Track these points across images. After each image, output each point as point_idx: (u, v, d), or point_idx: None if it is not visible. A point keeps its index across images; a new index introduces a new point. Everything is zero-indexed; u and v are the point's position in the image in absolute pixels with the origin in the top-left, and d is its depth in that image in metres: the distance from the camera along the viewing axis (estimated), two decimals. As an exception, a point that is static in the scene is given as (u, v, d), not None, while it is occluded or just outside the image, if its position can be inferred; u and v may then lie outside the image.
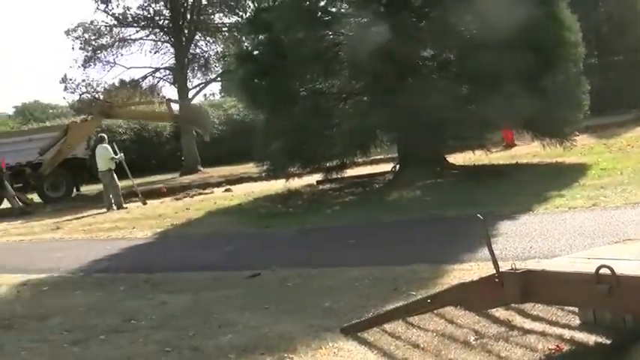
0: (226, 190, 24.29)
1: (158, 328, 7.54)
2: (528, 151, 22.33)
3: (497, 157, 21.46)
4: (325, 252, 11.28)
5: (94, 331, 7.73)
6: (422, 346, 5.87)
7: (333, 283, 8.61)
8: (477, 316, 6.26)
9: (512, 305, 6.00)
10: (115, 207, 22.23)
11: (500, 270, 5.27)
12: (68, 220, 20.80)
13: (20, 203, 25.91)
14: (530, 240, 9.73)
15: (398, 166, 19.34)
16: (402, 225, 12.86)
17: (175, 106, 32.52)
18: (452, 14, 16.75)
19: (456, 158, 20.14)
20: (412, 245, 10.66)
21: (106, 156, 22.90)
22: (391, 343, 6.06)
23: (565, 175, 15.93)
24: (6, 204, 26.14)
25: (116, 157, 23.14)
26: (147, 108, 28.78)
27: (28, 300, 10.09)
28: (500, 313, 6.24)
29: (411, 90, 15.73)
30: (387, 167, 20.86)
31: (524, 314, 6.21)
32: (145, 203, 22.82)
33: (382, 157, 23.76)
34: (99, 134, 25.21)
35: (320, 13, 18.91)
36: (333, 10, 19.49)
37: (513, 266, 5.27)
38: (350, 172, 20.34)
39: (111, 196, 22.66)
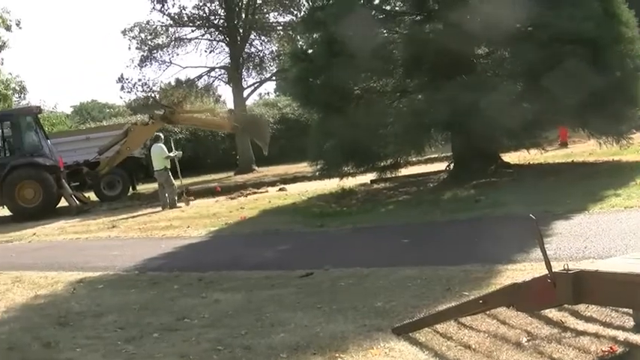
0: (280, 189, 24.32)
1: (211, 327, 7.58)
2: (584, 149, 22.12)
3: (552, 155, 21.25)
4: (378, 251, 11.25)
5: (147, 328, 7.80)
6: (473, 347, 5.84)
7: (386, 282, 8.59)
8: (529, 317, 6.22)
9: (566, 306, 5.95)
10: (168, 206, 22.38)
11: (553, 271, 5.22)
12: (124, 218, 20.98)
13: (77, 202, 26.18)
14: (585, 240, 9.63)
15: (452, 165, 19.25)
16: (455, 224, 12.79)
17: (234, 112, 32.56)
18: (506, 11, 16.62)
19: (511, 157, 19.99)
20: (465, 245, 10.60)
21: (161, 155, 23.05)
22: (443, 343, 6.04)
23: (621, 174, 15.74)
24: (63, 202, 26.44)
25: (171, 154, 23.29)
26: (208, 116, 28.78)
27: (83, 297, 10.19)
28: (553, 314, 6.19)
29: (465, 88, 15.62)
30: (442, 166, 20.78)
31: (578, 315, 6.15)
32: (187, 204, 22.91)
33: (436, 155, 23.66)
34: (155, 133, 25.37)
35: (374, 11, 18.89)
36: (388, 7, 19.48)
37: (566, 267, 5.22)
38: (404, 171, 20.26)
39: (166, 195, 22.83)
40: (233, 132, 30.07)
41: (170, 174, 23.03)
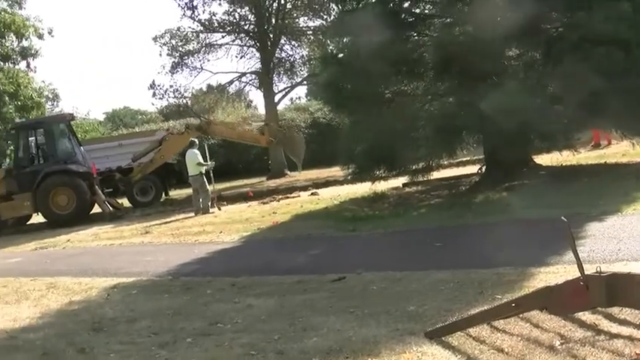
0: (312, 194, 24.35)
1: (244, 332, 7.61)
2: (617, 150, 21.95)
3: (585, 157, 21.12)
4: (411, 255, 11.25)
5: (181, 334, 7.85)
6: (506, 350, 5.82)
7: (419, 286, 8.59)
8: (562, 320, 6.17)
9: (599, 309, 5.91)
10: (201, 212, 22.47)
11: (586, 273, 5.20)
12: (157, 224, 21.09)
13: (110, 208, 26.37)
14: (619, 242, 9.57)
15: (484, 168, 19.19)
16: (488, 227, 12.73)
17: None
18: (536, 12, 16.55)
19: (543, 159, 19.87)
20: (498, 248, 10.53)
21: (194, 161, 23.16)
22: (475, 347, 6.02)
23: (655, 175, 15.63)
24: (97, 208, 26.62)
25: (205, 163, 23.42)
26: (243, 129, 28.83)
27: (117, 303, 10.26)
28: (586, 317, 6.14)
29: (496, 90, 15.56)
30: (474, 169, 20.74)
31: (611, 318, 6.10)
32: (220, 209, 23.00)
33: (468, 158, 23.62)
34: (190, 139, 25.45)
35: (404, 15, 18.87)
36: (417, 11, 19.44)
37: (599, 269, 5.19)
38: (436, 175, 20.18)
39: (200, 200, 22.92)
40: (268, 146, 30.07)
41: (205, 179, 23.14)
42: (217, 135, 28.24)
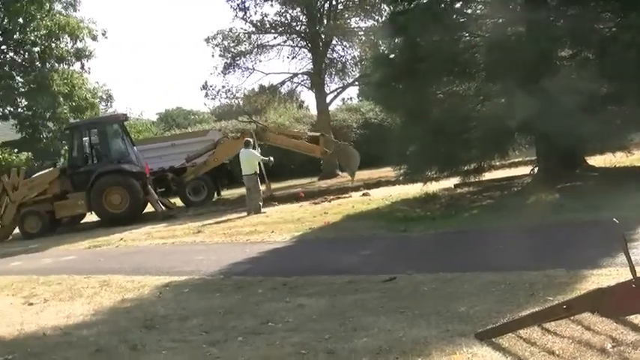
0: (364, 194, 24.33)
1: (295, 331, 7.65)
2: (673, 152, 21.68)
3: (638, 158, 20.86)
4: (462, 256, 11.22)
5: (232, 332, 7.92)
6: (557, 352, 5.81)
7: (469, 287, 8.56)
8: (614, 323, 6.14)
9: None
10: (253, 212, 22.58)
11: (638, 276, 5.17)
12: (209, 223, 21.22)
13: (163, 207, 26.59)
14: (672, 245, 9.46)
15: (536, 169, 19.05)
16: (539, 229, 12.65)
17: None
18: (590, 12, 16.43)
19: (596, 160, 19.68)
20: (549, 250, 10.49)
21: (252, 160, 23.31)
22: (526, 349, 6.01)
23: None
24: (150, 208, 26.86)
25: (265, 158, 23.64)
26: (298, 139, 28.78)
27: (169, 301, 10.37)
28: (638, 319, 6.10)
29: (549, 91, 15.45)
30: (526, 170, 20.57)
31: (664, 321, 6.06)
32: (269, 189, 23.09)
33: (520, 159, 23.44)
34: (246, 139, 25.55)
35: (455, 15, 18.80)
36: (469, 11, 19.37)
37: (651, 272, 5.16)
38: (488, 176, 20.08)
39: (251, 198, 23.05)
40: (322, 157, 30.05)
41: (258, 179, 23.28)
42: (272, 142, 28.22)
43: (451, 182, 20.46)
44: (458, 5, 19.17)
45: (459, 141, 17.59)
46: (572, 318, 6.25)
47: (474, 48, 18.40)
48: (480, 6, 19.37)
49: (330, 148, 28.10)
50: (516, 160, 23.38)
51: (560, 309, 5.98)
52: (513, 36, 17.03)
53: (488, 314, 7.13)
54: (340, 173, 34.76)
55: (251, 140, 24.73)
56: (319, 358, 6.58)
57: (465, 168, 19.06)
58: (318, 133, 29.40)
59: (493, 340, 6.28)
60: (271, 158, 24.45)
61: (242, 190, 24.61)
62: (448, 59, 17.26)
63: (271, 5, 45.96)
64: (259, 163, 23.70)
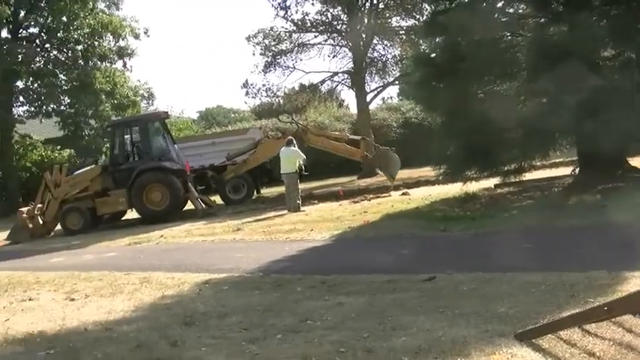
0: (404, 194, 24.27)
1: (333, 329, 7.66)
2: None
3: (682, 159, 20.67)
4: (501, 256, 11.14)
5: (271, 330, 7.94)
6: (598, 354, 5.78)
7: (509, 288, 8.53)
8: (656, 325, 6.10)
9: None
10: (292, 210, 22.63)
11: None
12: (248, 221, 21.28)
13: (203, 205, 26.72)
14: None
15: (577, 170, 18.91)
16: (580, 230, 12.58)
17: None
18: (633, 12, 16.28)
19: (638, 161, 19.50)
20: (590, 251, 10.42)
21: (292, 158, 23.39)
22: (566, 350, 5.98)
23: None
24: (190, 205, 26.99)
25: (304, 157, 23.74)
26: (340, 141, 28.70)
27: (209, 298, 10.42)
28: (680, 322, 6.06)
29: (591, 91, 15.34)
30: (566, 171, 20.44)
31: None
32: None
33: (561, 160, 23.28)
34: (288, 137, 25.59)
35: (497, 14, 18.72)
36: (511, 10, 19.27)
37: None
38: (528, 176, 19.95)
39: (290, 197, 23.10)
40: (362, 160, 29.97)
41: (297, 178, 23.33)
42: (313, 144, 28.17)
43: (491, 182, 20.37)
44: (500, 4, 19.11)
45: (499, 141, 17.53)
46: (613, 320, 6.21)
47: (516, 48, 18.32)
48: (522, 5, 19.27)
49: (370, 152, 28.02)
50: (557, 160, 23.23)
51: (601, 310, 5.95)
52: (555, 36, 16.92)
53: (528, 315, 7.10)
54: (380, 173, 34.75)
55: (293, 139, 24.75)
56: (358, 357, 6.59)
57: (506, 168, 18.96)
58: (358, 137, 29.29)
59: (533, 340, 6.25)
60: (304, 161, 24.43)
61: (281, 189, 24.68)
62: (489, 59, 17.17)
63: (312, 4, 46.43)
64: (300, 162, 23.70)
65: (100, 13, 42.25)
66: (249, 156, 28.23)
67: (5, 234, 26.70)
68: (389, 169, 26.52)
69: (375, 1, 38.48)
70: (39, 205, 26.50)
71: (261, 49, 41.11)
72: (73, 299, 11.71)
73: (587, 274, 8.48)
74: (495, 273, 9.39)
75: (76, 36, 41.89)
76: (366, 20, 38.32)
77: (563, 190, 18.24)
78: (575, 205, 15.56)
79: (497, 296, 8.14)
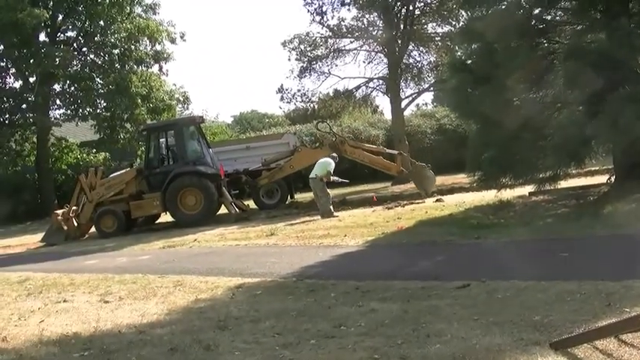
0: (438, 200, 24.20)
1: (367, 335, 7.65)
2: None
3: None
4: (536, 264, 11.08)
5: (304, 335, 7.94)
6: (634, 364, 5.73)
7: (544, 296, 8.48)
8: (693, 336, 6.04)
9: None
10: (323, 215, 22.63)
11: None
12: (282, 226, 21.29)
13: (237, 209, 26.77)
14: None
15: (613, 178, 18.77)
16: (616, 239, 12.48)
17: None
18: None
19: (676, 170, 19.34)
20: (627, 260, 10.31)
21: (323, 166, 23.42)
22: (602, 360, 5.94)
23: None
24: (223, 209, 27.07)
25: (332, 175, 23.63)
26: (377, 154, 28.58)
27: (242, 302, 10.44)
28: None
29: (628, 99, 15.21)
30: (602, 179, 20.30)
31: None
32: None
33: (597, 168, 23.12)
34: (332, 154, 25.57)
35: (534, 21, 18.62)
36: (548, 17, 19.14)
37: None
38: (563, 184, 19.80)
39: (321, 203, 23.12)
40: (398, 175, 29.86)
41: (325, 183, 23.31)
42: (349, 155, 28.12)
43: (526, 190, 20.25)
44: (537, 11, 18.95)
45: (534, 148, 17.41)
46: (650, 330, 6.16)
47: (552, 55, 18.20)
48: (560, 12, 19.14)
49: (406, 167, 27.87)
50: (593, 168, 23.08)
51: (638, 321, 5.89)
52: (593, 43, 16.80)
53: (563, 324, 7.05)
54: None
55: (337, 158, 24.69)
56: (391, 363, 6.58)
57: (541, 176, 18.81)
58: (396, 151, 29.19)
59: (568, 350, 6.21)
60: (335, 178, 24.33)
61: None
62: (525, 66, 17.07)
63: (348, 10, 46.34)
64: (329, 173, 23.64)
65: (137, 18, 42.52)
66: (285, 163, 28.22)
67: (40, 236, 26.92)
68: (423, 185, 26.40)
69: (410, 7, 38.42)
70: (74, 208, 26.72)
71: (297, 55, 41.23)
72: (107, 301, 11.77)
73: (623, 284, 8.40)
74: (530, 281, 9.33)
75: (112, 40, 42.20)
76: (402, 26, 38.27)
77: (598, 198, 18.11)
78: (611, 213, 15.41)
79: (532, 304, 8.09)
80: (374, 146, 30.14)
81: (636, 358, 5.85)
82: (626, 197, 16.36)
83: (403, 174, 28.48)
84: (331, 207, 23.30)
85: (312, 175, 23.52)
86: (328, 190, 23.72)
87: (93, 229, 26.81)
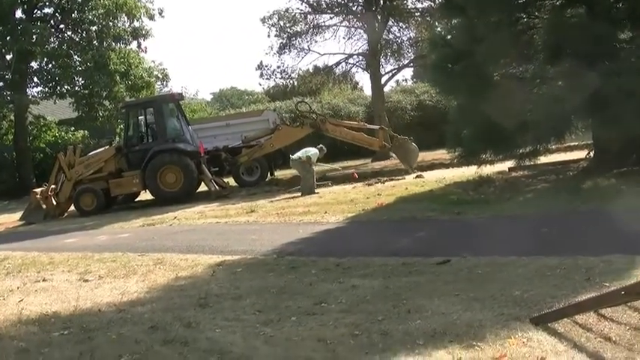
0: (418, 177, 24.23)
1: (348, 312, 7.65)
2: None
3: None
4: (516, 240, 11.11)
5: (285, 312, 7.93)
6: (614, 339, 5.74)
7: (524, 271, 8.49)
8: (673, 310, 6.06)
9: None
10: (305, 192, 22.64)
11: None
12: (262, 203, 21.26)
13: (217, 186, 26.73)
14: None
15: (592, 153, 18.83)
16: (596, 214, 12.52)
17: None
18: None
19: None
20: (606, 235, 10.34)
21: (307, 153, 23.51)
22: (582, 334, 5.95)
23: None
24: (203, 187, 27.01)
25: (304, 159, 23.62)
26: (358, 131, 28.52)
27: (223, 280, 10.42)
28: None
29: (608, 74, 15.22)
30: (581, 154, 20.37)
31: None
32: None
33: (576, 143, 23.20)
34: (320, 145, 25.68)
35: (514, -4, 18.60)
36: (528, -8, 19.12)
37: None
38: (543, 159, 19.85)
39: (305, 179, 23.12)
40: (381, 150, 29.84)
41: (306, 163, 23.31)
42: (331, 133, 28.07)
43: (506, 166, 20.31)
44: (517, -14, 18.94)
45: (514, 124, 17.41)
46: (629, 304, 6.17)
47: (533, 29, 18.18)
48: (540, -13, 19.12)
49: (388, 141, 27.85)
50: (572, 144, 23.17)
51: (617, 295, 5.90)
52: (573, 18, 16.78)
53: (544, 299, 7.06)
54: (394, 155, 34.68)
55: (324, 150, 24.68)
56: (373, 339, 6.56)
57: (520, 151, 18.87)
58: (376, 126, 29.20)
59: (548, 324, 6.22)
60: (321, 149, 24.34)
61: (295, 171, 24.64)
62: (506, 41, 17.06)
63: (328, -15, 46.08)
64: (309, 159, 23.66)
65: (115, -6, 42.22)
66: (266, 141, 28.18)
67: (19, 214, 26.80)
68: (407, 159, 26.41)
69: (390, -17, 38.35)
70: (52, 186, 26.58)
71: (276, 31, 41.20)
72: (86, 280, 11.72)
73: (602, 258, 8.42)
74: (510, 257, 9.35)
75: (90, 17, 41.79)
76: (381, 2, 38.20)
77: (578, 173, 18.17)
78: (591, 188, 15.49)
79: (513, 280, 8.11)
80: (354, 122, 30.08)
81: (615, 332, 5.86)
82: (605, 172, 16.43)
83: (386, 149, 28.46)
84: (314, 183, 23.28)
85: (294, 157, 23.48)
86: (314, 168, 23.72)
87: (72, 208, 26.66)
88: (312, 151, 23.74)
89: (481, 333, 6.28)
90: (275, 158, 30.30)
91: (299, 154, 23.55)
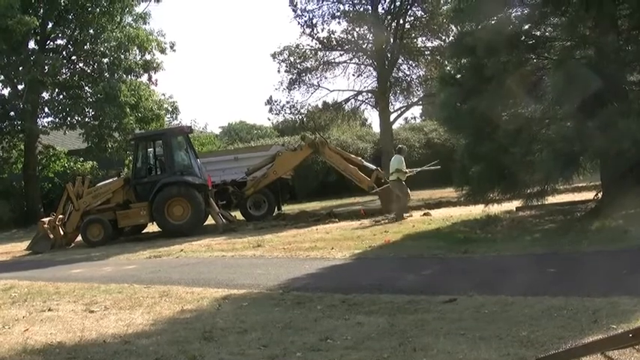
0: (425, 214, 24.18)
1: (353, 349, 7.63)
2: None
3: None
4: (523, 280, 11.08)
5: (290, 347, 7.92)
6: (621, 381, 5.71)
7: (531, 312, 8.48)
8: (681, 353, 6.03)
9: None
10: (399, 216, 23.12)
11: None
12: (269, 238, 21.24)
13: (224, 220, 26.72)
14: None
15: (601, 194, 18.80)
16: (603, 255, 12.50)
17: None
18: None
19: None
20: (614, 277, 10.32)
21: (393, 165, 23.91)
22: (589, 376, 5.92)
23: None
24: (210, 220, 27.00)
25: (405, 171, 23.75)
26: (353, 165, 28.51)
27: (228, 314, 10.40)
28: None
29: (617, 115, 15.24)
30: (590, 195, 20.32)
31: None
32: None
33: (584, 184, 23.15)
34: (398, 145, 25.77)
35: (523, 37, 18.65)
36: (537, 33, 19.18)
37: None
38: (551, 199, 19.81)
39: (400, 203, 23.61)
40: (367, 190, 29.85)
41: (403, 183, 23.39)
42: (327, 158, 28.15)
43: (513, 205, 20.27)
44: (526, 27, 19.00)
45: (523, 163, 17.42)
46: (637, 347, 6.13)
47: (542, 70, 18.25)
48: (549, 28, 19.17)
49: (378, 185, 27.74)
50: (580, 184, 23.12)
51: (625, 337, 5.87)
52: (582, 59, 16.84)
53: (550, 340, 7.05)
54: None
55: (404, 147, 24.86)
56: (378, 377, 6.55)
57: (528, 191, 18.84)
58: (374, 167, 29.16)
59: (555, 366, 6.19)
60: (412, 171, 24.58)
61: (303, 206, 24.68)
62: (515, 81, 17.10)
63: (339, 23, 46.36)
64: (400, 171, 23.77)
65: (127, 27, 42.42)
66: (268, 170, 28.23)
67: (26, 243, 26.82)
68: (386, 204, 26.26)
69: (401, 21, 38.57)
70: (60, 216, 26.63)
71: (286, 66, 41.39)
72: (92, 311, 11.72)
73: (609, 300, 8.42)
74: (517, 297, 9.34)
75: (102, 49, 42.08)
76: (391, 40, 38.38)
77: (585, 214, 18.13)
78: (598, 230, 15.44)
79: (519, 320, 8.09)
80: (353, 156, 30.13)
81: (623, 374, 5.85)
82: (613, 214, 16.39)
83: (372, 190, 28.34)
84: (405, 209, 23.77)
85: (391, 178, 23.90)
86: (408, 191, 24.15)
87: (79, 238, 26.66)
88: (398, 159, 23.87)
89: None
90: (282, 192, 30.31)
91: (392, 168, 23.81)
